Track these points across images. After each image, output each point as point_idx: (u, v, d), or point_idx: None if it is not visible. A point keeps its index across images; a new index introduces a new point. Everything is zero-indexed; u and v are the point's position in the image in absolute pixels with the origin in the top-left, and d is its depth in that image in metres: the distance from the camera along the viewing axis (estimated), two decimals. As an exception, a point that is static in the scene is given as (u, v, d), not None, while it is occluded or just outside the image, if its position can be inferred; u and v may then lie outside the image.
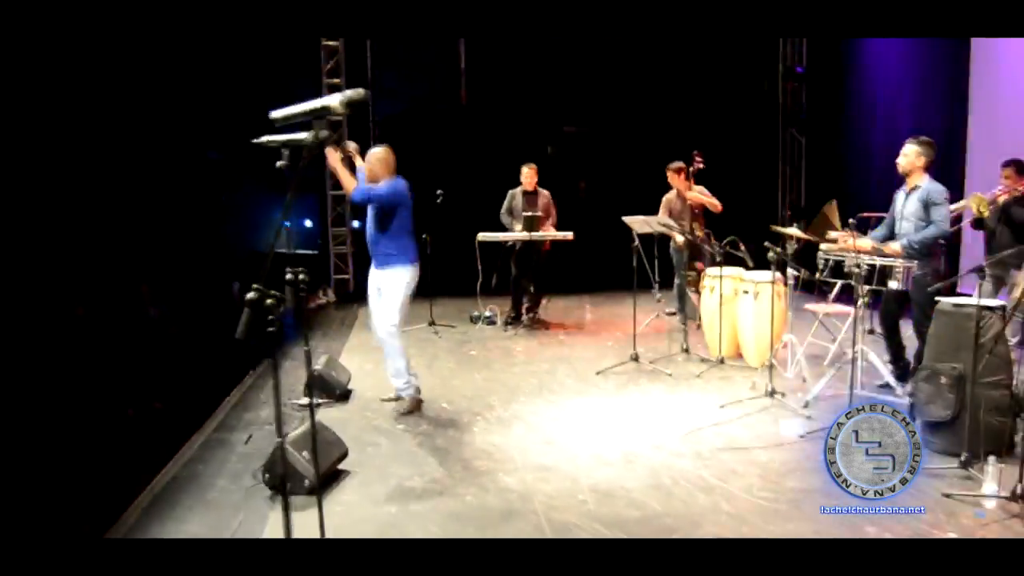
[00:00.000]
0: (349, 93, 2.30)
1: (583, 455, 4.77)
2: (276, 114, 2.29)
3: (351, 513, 4.03)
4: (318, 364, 6.15)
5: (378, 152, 5.71)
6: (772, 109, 12.74)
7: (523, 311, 8.93)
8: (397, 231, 5.64)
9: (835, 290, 6.94)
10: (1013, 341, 4.93)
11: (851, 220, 5.33)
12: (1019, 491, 3.79)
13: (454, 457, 4.80)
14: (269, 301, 2.21)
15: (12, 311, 8.28)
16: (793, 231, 6.04)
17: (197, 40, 11.48)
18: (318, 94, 11.21)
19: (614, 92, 13.36)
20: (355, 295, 11.48)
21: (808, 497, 4.04)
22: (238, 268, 15.90)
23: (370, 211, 5.71)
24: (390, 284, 5.65)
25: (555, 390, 6.27)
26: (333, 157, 5.61)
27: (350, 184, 5.60)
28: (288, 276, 3.23)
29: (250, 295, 2.19)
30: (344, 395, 6.13)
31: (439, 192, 8.61)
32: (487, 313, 9.03)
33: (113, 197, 10.12)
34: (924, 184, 5.41)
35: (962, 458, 4.25)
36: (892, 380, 5.59)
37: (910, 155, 5.49)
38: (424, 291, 9.19)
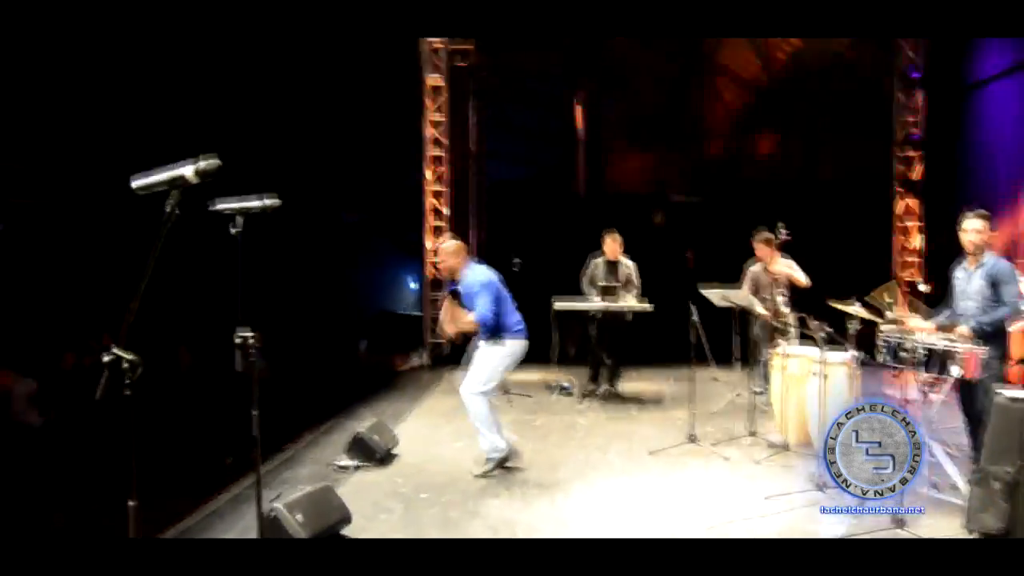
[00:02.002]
0: (202, 164, 2.29)
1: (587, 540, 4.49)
2: (137, 183, 2.31)
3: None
4: (363, 427, 6.19)
5: (449, 247, 6.06)
6: (884, 176, 11.97)
7: (601, 383, 8.69)
8: (501, 307, 5.87)
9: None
10: None
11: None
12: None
13: (459, 531, 4.65)
14: (125, 365, 2.20)
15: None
16: (853, 309, 5.57)
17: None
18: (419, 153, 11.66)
19: (722, 162, 13.08)
20: (449, 359, 11.56)
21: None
22: (366, 327, 16.56)
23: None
24: (489, 351, 5.85)
25: (599, 467, 6.00)
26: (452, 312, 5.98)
27: (469, 319, 5.84)
28: (237, 340, 3.26)
29: (107, 357, 2.18)
30: (384, 459, 6.10)
31: (515, 260, 8.60)
32: (564, 384, 8.83)
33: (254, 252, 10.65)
34: (990, 261, 4.88)
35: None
36: (960, 482, 4.96)
37: (983, 231, 4.99)
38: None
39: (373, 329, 16.23)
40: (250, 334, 3.22)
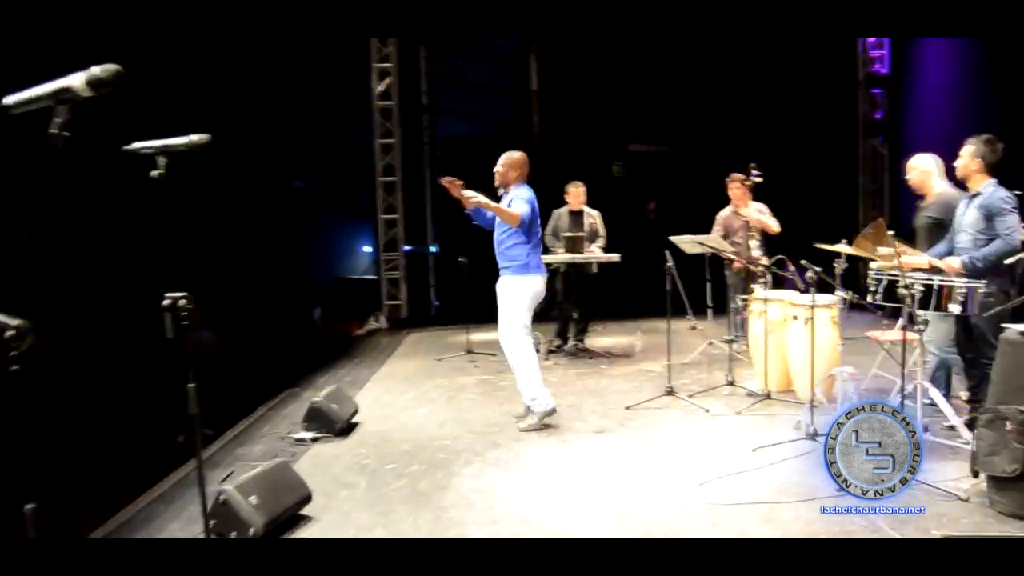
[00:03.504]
0: (96, 71, 1.81)
1: (574, 507, 4.14)
2: (11, 100, 1.83)
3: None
4: (320, 396, 5.75)
5: (515, 156, 5.66)
6: (851, 118, 11.73)
7: (569, 338, 8.35)
8: (532, 239, 5.55)
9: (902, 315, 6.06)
10: None
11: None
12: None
13: (432, 505, 4.25)
14: (9, 333, 1.74)
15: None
16: (841, 247, 5.26)
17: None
18: (367, 115, 11.07)
19: (687, 108, 12.70)
20: (407, 321, 11.14)
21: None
22: (320, 294, 16.00)
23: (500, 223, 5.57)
24: (515, 291, 5.52)
25: (574, 427, 5.64)
26: (475, 197, 5.43)
27: (508, 213, 5.42)
28: (165, 302, 2.80)
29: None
30: (345, 429, 5.67)
31: (462, 260, 8.25)
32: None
33: (198, 221, 10.00)
34: (987, 190, 4.59)
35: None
36: (958, 423, 4.70)
37: (964, 157, 4.71)
38: (463, 318, 8.83)
39: (328, 297, 15.72)
40: (180, 295, 2.76)
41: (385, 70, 10.94)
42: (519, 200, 5.47)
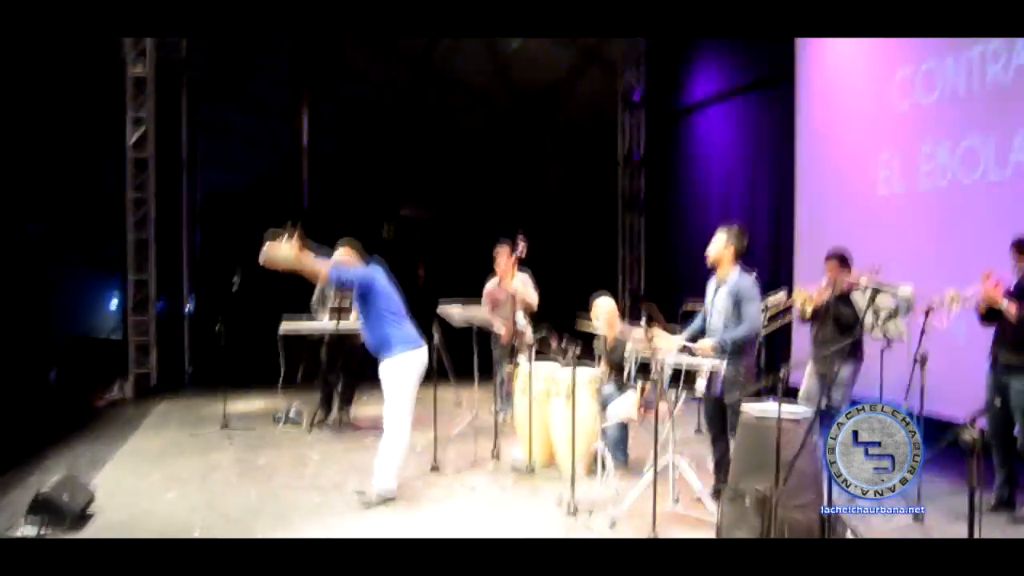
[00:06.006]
0: None
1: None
2: None
3: None
4: (48, 484, 5.09)
5: (338, 253, 5.65)
6: (611, 194, 12.54)
7: (333, 409, 8.07)
8: (387, 317, 5.44)
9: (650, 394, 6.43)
10: None
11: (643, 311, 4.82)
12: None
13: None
14: None
15: None
16: (599, 325, 5.51)
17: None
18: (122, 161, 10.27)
19: (458, 174, 13.00)
20: (156, 389, 10.29)
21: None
22: (57, 354, 14.39)
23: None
24: (391, 375, 5.43)
25: (336, 509, 5.38)
26: (291, 253, 5.12)
27: (321, 268, 5.24)
28: None
29: None
30: (76, 521, 5.05)
31: (235, 278, 7.74)
32: (291, 413, 8.07)
33: None
34: (734, 277, 5.00)
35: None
36: (704, 495, 5.01)
37: (718, 244, 5.11)
38: (220, 386, 8.26)
39: (66, 357, 14.20)
40: None
41: (140, 118, 10.21)
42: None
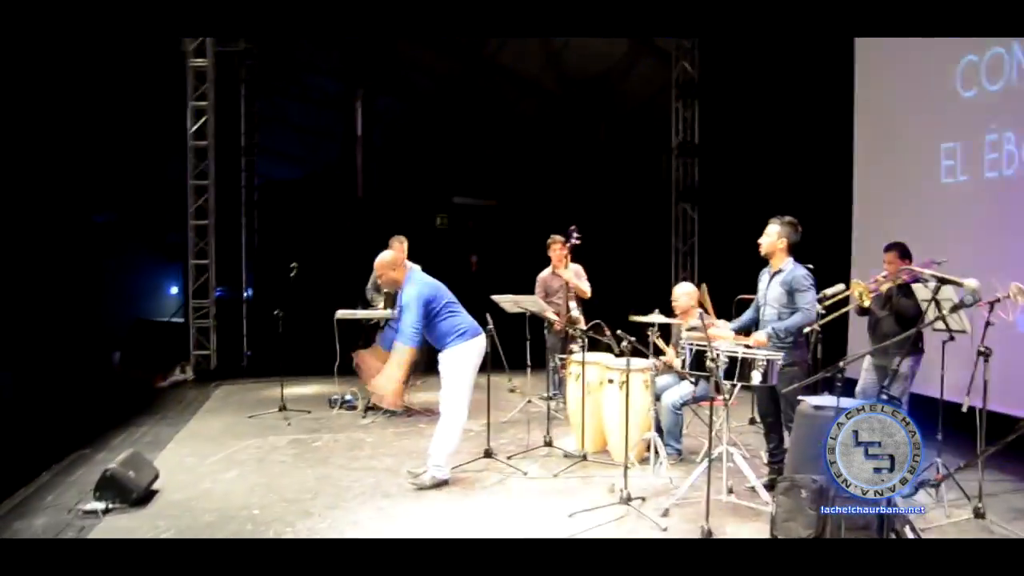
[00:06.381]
0: None
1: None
2: None
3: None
4: (115, 462, 5.26)
5: (384, 258, 5.59)
6: (665, 183, 12.43)
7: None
8: (442, 316, 5.50)
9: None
10: None
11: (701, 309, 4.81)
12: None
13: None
14: None
15: None
16: (654, 318, 5.49)
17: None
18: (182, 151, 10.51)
19: (511, 163, 13.02)
20: (216, 373, 10.55)
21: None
22: (120, 337, 14.80)
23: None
24: (449, 364, 5.50)
25: (390, 492, 5.47)
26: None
27: (403, 357, 5.29)
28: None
29: None
30: (142, 499, 5.21)
31: (293, 265, 7.89)
32: (347, 397, 8.21)
33: None
34: (788, 268, 4.95)
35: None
36: (758, 485, 4.98)
37: (771, 235, 5.06)
38: (277, 371, 8.45)
39: (129, 340, 14.59)
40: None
41: (201, 108, 10.45)
42: (404, 314, 5.37)
